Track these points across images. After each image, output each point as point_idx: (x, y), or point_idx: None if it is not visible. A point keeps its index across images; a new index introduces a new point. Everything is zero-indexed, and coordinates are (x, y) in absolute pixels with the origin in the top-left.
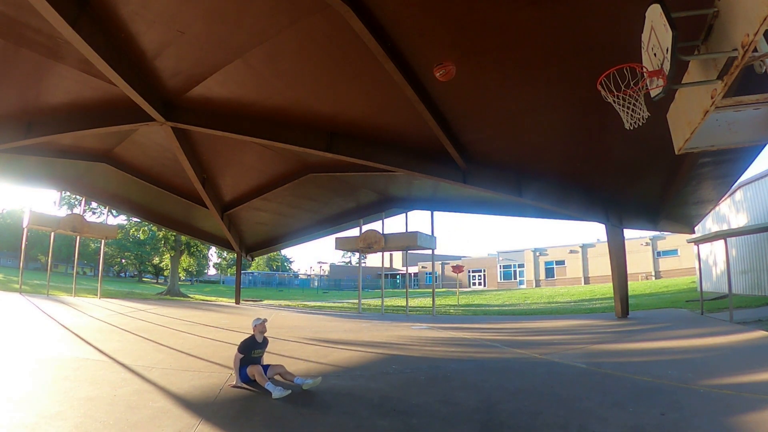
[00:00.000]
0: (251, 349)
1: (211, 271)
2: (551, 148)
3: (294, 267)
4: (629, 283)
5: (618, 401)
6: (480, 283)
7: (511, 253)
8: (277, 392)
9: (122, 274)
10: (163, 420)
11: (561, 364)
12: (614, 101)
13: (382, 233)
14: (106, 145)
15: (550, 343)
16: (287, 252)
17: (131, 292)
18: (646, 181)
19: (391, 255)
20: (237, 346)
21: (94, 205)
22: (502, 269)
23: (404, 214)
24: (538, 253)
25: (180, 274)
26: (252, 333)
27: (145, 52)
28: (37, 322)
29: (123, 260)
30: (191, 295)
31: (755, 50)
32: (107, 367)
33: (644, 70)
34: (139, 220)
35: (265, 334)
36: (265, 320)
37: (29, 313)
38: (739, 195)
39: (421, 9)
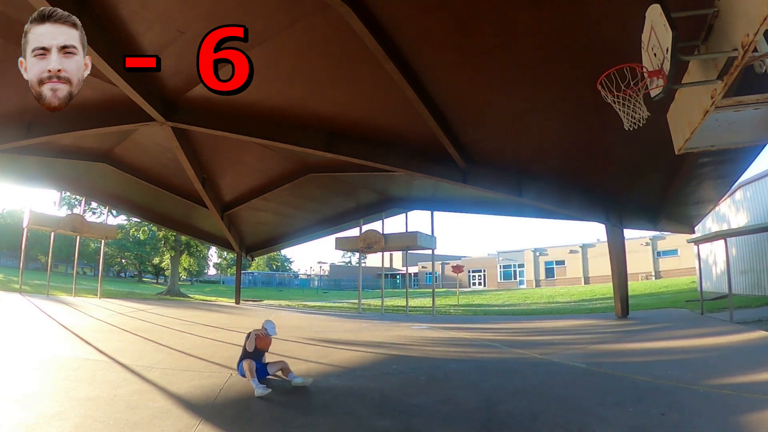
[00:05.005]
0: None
1: (211, 271)
2: (551, 148)
3: (294, 267)
4: (629, 283)
5: (618, 401)
6: (480, 283)
7: (511, 253)
8: (259, 390)
9: (122, 274)
10: (163, 420)
11: (561, 364)
12: (614, 101)
13: (382, 233)
14: (106, 145)
15: (550, 343)
16: (287, 252)
17: (131, 292)
18: (646, 181)
19: (391, 255)
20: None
21: (94, 205)
22: (502, 269)
23: (404, 214)
24: (538, 253)
25: (181, 274)
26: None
27: (145, 52)
28: (38, 322)
29: (123, 260)
30: (191, 295)
31: (755, 50)
32: (107, 367)
33: (644, 70)
34: (139, 220)
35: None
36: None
37: (29, 313)
38: (739, 195)
39: (422, 9)
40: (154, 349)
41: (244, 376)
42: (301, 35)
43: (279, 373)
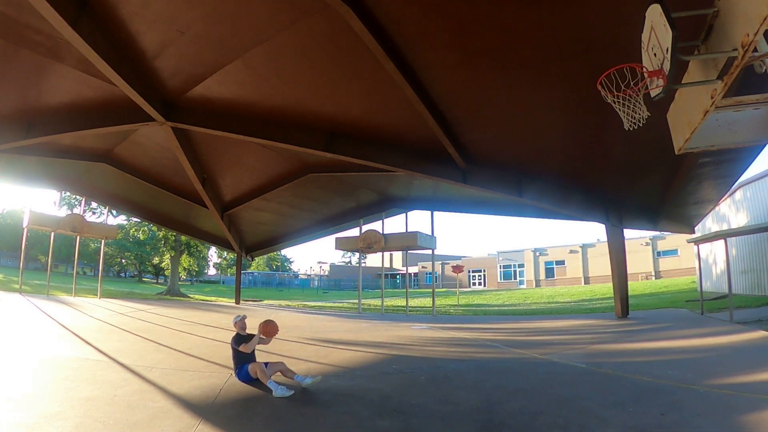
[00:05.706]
0: (242, 341)
1: (211, 271)
2: (551, 148)
3: (294, 267)
4: (629, 283)
5: (618, 401)
6: (480, 283)
7: (511, 253)
8: (279, 391)
9: (122, 274)
10: (163, 420)
11: (561, 364)
12: (614, 101)
13: (382, 233)
14: (106, 145)
15: (550, 343)
16: (287, 252)
17: (131, 292)
18: (646, 181)
19: (391, 255)
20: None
21: (94, 205)
22: (502, 269)
23: (404, 214)
24: (538, 253)
25: (180, 274)
26: (236, 331)
27: (145, 52)
28: (38, 322)
29: (123, 260)
30: (191, 295)
31: (755, 50)
32: (107, 367)
33: (644, 70)
34: (139, 220)
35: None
36: (244, 317)
37: (29, 313)
38: (739, 195)
39: (421, 9)
40: (154, 349)
41: (246, 382)
42: (301, 35)
43: (278, 374)
